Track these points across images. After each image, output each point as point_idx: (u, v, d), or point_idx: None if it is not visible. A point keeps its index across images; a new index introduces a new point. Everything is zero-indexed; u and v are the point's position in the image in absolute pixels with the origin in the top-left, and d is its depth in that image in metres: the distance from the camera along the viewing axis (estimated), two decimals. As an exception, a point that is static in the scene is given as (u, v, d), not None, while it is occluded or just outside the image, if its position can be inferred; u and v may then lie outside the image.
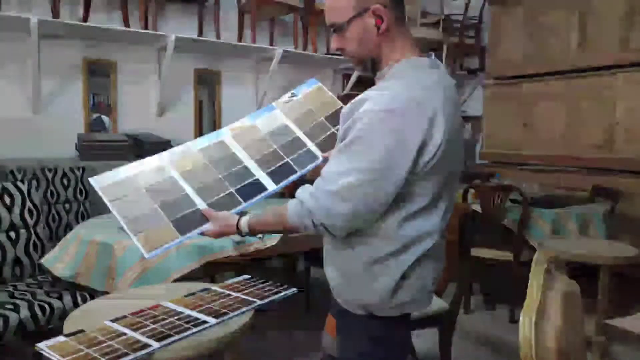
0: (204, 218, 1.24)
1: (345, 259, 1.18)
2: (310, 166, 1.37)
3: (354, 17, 1.12)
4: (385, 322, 1.17)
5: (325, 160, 1.34)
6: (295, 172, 1.34)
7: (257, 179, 1.30)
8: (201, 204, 1.24)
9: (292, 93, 1.53)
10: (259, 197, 1.28)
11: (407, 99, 1.06)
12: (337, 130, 1.31)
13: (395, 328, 1.19)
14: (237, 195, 1.26)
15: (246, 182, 1.29)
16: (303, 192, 1.12)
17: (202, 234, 1.26)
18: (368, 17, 1.12)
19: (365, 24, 1.12)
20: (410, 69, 1.14)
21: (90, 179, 1.21)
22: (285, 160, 1.35)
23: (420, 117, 1.05)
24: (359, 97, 1.12)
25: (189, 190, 1.24)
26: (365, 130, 1.05)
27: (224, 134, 1.39)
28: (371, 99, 1.07)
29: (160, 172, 1.27)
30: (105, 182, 1.21)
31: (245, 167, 1.32)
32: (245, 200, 1.26)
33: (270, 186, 1.30)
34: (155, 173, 1.26)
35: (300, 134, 1.42)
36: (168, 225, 1.18)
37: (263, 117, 1.45)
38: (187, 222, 1.19)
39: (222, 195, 1.25)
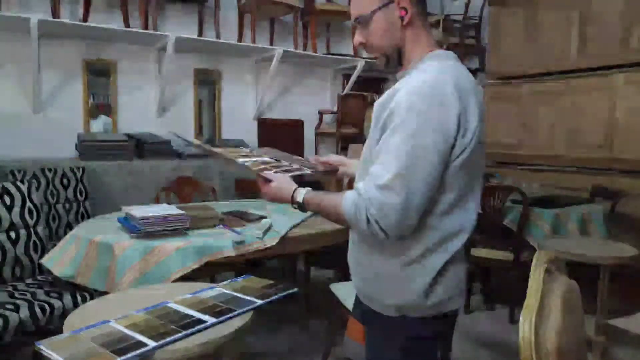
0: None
1: (379, 262, 1.17)
2: (254, 305, 1.45)
3: (379, 8, 1.13)
4: (420, 323, 1.15)
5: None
6: (234, 310, 1.41)
7: (198, 318, 1.36)
8: (144, 339, 1.24)
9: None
10: (197, 327, 1.30)
11: (444, 86, 1.05)
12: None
13: (430, 328, 1.16)
14: (177, 328, 1.29)
15: (185, 321, 1.34)
16: (362, 186, 1.09)
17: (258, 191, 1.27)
18: (393, 8, 1.13)
19: (390, 15, 1.14)
20: (440, 60, 1.13)
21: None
22: (224, 307, 1.43)
23: (456, 104, 1.04)
24: (392, 88, 1.12)
25: (130, 333, 1.27)
26: (403, 118, 1.03)
27: (169, 302, 1.48)
28: (408, 87, 1.06)
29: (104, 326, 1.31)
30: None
31: (186, 314, 1.38)
32: (184, 330, 1.28)
33: (210, 320, 1.34)
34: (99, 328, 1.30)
35: (242, 295, 1.52)
36: (105, 352, 1.17)
37: (206, 290, 1.58)
38: (126, 348, 1.18)
39: (162, 331, 1.28)
